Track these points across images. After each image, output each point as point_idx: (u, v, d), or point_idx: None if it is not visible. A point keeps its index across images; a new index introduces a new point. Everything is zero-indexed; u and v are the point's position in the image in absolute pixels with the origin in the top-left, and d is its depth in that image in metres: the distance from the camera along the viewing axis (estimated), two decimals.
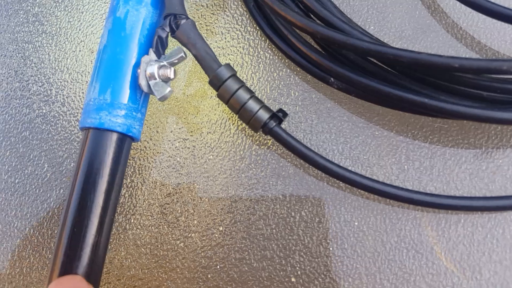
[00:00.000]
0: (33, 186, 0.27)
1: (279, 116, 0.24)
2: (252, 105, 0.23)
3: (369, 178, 0.23)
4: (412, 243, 0.24)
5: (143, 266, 0.25)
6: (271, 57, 0.27)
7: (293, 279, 0.24)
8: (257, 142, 0.26)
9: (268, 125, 0.24)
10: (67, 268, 0.21)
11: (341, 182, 0.25)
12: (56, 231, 0.26)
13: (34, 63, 0.29)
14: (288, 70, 0.27)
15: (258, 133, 0.26)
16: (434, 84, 0.24)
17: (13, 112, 0.28)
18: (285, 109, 0.25)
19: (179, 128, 0.27)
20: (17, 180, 0.27)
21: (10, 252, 0.26)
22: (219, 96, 0.24)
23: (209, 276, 0.24)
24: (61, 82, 0.28)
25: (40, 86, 0.29)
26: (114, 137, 0.22)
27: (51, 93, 0.28)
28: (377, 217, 0.24)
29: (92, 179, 0.22)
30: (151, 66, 0.23)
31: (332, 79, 0.25)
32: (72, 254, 0.21)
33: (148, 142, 0.27)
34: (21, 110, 0.28)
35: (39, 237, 0.26)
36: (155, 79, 0.23)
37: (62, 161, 0.27)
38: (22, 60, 0.29)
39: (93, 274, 0.21)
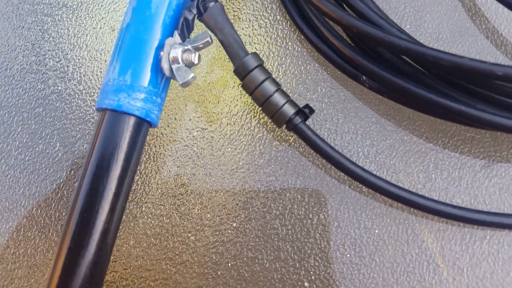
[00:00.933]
0: (43, 165, 0.26)
1: (305, 112, 0.23)
2: (278, 98, 0.22)
3: (395, 184, 0.22)
4: (434, 256, 0.23)
5: (151, 257, 0.24)
6: (299, 49, 0.26)
7: (306, 284, 0.23)
8: (279, 137, 0.25)
9: (293, 121, 0.22)
10: (74, 254, 0.20)
11: (364, 187, 0.24)
12: (64, 214, 0.25)
13: (53, 38, 0.28)
14: (317, 65, 0.26)
15: (281, 129, 0.25)
16: (471, 91, 0.22)
17: (27, 86, 0.27)
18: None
19: (198, 117, 0.26)
20: (27, 158, 0.26)
21: (16, 232, 0.25)
22: (243, 86, 0.23)
23: (219, 272, 0.23)
24: (79, 59, 0.27)
25: (57, 62, 0.28)
26: (131, 121, 0.22)
27: (68, 70, 0.27)
28: (399, 226, 0.23)
29: (106, 163, 0.21)
30: (175, 49, 0.22)
31: (364, 77, 0.23)
32: (80, 241, 0.20)
33: (165, 129, 0.26)
34: (36, 85, 0.27)
35: (46, 219, 0.25)
36: (179, 63, 0.22)
37: (75, 141, 0.26)
38: (40, 34, 0.28)
39: (100, 262, 0.21)
